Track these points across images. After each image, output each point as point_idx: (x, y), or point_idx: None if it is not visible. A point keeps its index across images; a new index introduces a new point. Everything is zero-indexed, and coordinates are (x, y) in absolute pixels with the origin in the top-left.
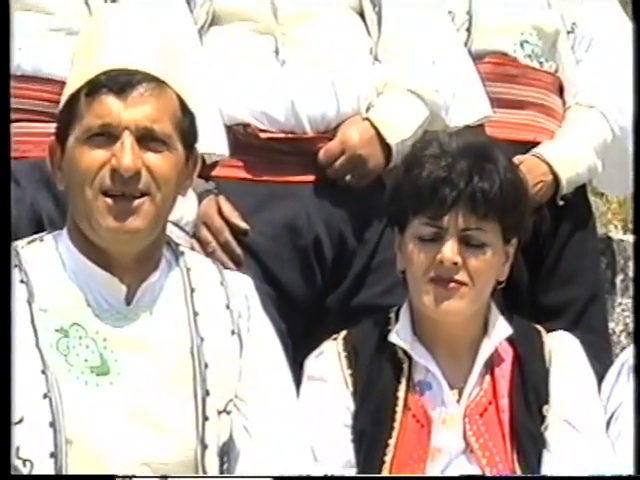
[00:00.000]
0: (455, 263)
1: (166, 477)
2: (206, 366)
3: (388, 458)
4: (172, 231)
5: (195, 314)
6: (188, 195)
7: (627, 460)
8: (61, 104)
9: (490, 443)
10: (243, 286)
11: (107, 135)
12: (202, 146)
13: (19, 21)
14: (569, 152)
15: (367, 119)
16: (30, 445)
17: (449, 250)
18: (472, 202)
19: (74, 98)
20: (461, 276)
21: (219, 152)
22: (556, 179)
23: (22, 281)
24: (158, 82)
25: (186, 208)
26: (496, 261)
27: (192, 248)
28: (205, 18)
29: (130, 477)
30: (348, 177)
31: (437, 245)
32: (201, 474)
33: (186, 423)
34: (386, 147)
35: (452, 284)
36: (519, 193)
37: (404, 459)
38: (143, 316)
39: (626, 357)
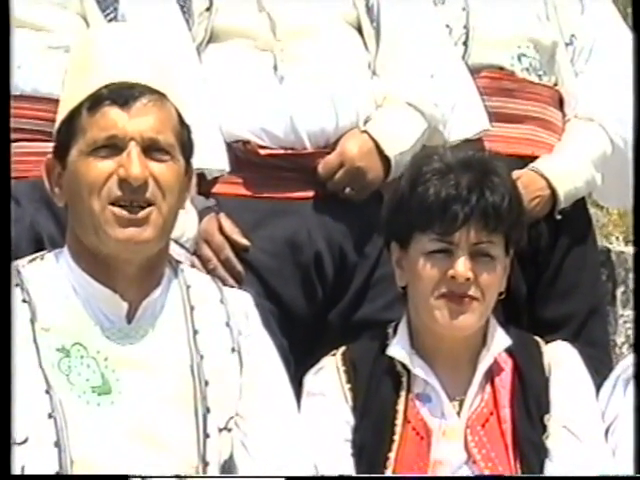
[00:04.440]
0: (468, 279)
1: (179, 476)
2: (206, 384)
3: (389, 471)
4: (173, 249)
5: (195, 332)
6: (189, 212)
7: (627, 464)
8: (58, 121)
9: (492, 454)
10: (243, 303)
11: (112, 147)
12: (202, 162)
13: (18, 39)
14: (567, 166)
15: (365, 132)
16: (35, 465)
17: (462, 266)
18: (484, 217)
19: (74, 113)
20: (473, 291)
21: (219, 167)
22: (554, 193)
23: (24, 300)
24: (159, 94)
25: (187, 225)
26: (502, 274)
27: (193, 265)
28: (203, 35)
29: (142, 477)
30: (347, 190)
31: (447, 260)
32: None
33: (187, 440)
34: (385, 159)
35: (465, 299)
36: (522, 205)
37: (405, 472)
38: (144, 334)
39: (621, 370)
